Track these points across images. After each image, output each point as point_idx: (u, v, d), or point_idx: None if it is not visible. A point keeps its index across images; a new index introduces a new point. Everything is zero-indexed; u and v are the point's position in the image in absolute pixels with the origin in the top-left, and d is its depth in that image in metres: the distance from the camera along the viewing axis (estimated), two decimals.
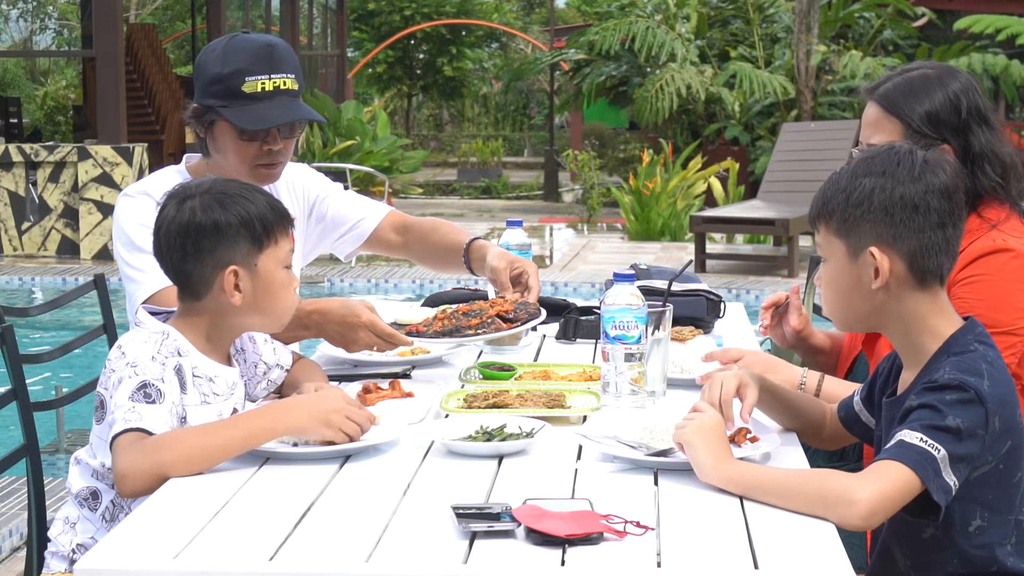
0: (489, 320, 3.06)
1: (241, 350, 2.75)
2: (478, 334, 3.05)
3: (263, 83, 3.14)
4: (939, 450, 2.10)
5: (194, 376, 2.54)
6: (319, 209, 3.51)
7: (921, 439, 2.11)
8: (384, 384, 2.91)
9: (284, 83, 3.17)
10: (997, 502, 2.21)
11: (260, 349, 2.79)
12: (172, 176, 3.23)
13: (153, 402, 2.41)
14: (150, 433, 2.37)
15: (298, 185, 3.46)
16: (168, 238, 2.54)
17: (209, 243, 2.52)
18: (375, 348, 3.03)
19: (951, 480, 2.11)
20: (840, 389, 2.78)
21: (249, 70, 3.14)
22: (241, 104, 3.13)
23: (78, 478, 2.63)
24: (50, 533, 2.66)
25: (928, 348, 2.26)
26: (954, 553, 2.22)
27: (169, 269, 2.58)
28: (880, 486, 2.07)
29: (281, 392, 2.86)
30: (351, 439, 2.44)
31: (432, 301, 3.78)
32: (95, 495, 2.61)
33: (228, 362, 2.66)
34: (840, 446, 2.64)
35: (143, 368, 2.45)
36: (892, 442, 2.14)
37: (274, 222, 2.57)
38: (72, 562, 2.60)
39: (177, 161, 3.36)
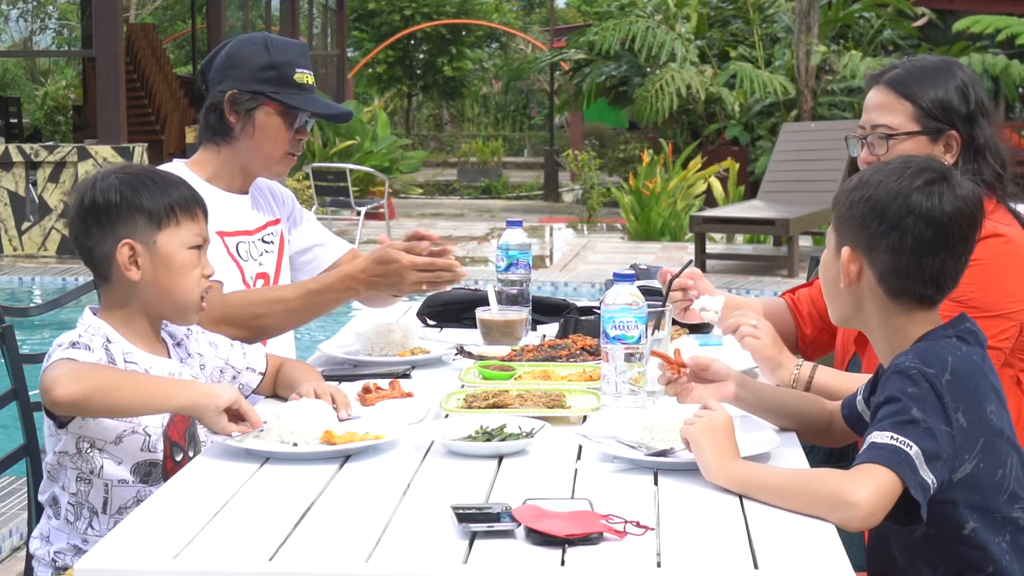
0: (577, 352, 3.16)
1: (199, 354, 2.77)
2: (569, 361, 3.12)
3: (306, 76, 3.31)
4: (911, 447, 2.08)
5: (127, 363, 2.59)
6: (292, 226, 3.54)
7: (892, 437, 2.09)
8: (384, 384, 2.91)
9: (313, 78, 3.35)
10: (984, 502, 2.19)
11: (224, 353, 2.83)
12: (180, 171, 3.22)
13: (85, 349, 2.49)
14: None
15: (279, 191, 3.53)
16: (72, 212, 2.63)
17: (105, 218, 2.59)
18: (424, 288, 3.11)
19: (928, 478, 2.09)
20: (834, 379, 2.76)
21: (298, 62, 3.30)
22: (291, 92, 3.27)
23: (45, 484, 2.68)
24: (31, 549, 2.69)
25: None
26: (949, 552, 2.21)
27: (76, 246, 2.65)
28: (874, 487, 2.06)
29: (276, 394, 2.88)
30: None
31: (432, 301, 3.78)
32: (55, 500, 2.65)
33: (167, 355, 2.70)
34: (852, 441, 2.63)
35: (70, 340, 2.53)
36: (866, 444, 2.13)
37: (176, 203, 2.62)
38: (56, 568, 2.62)
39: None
